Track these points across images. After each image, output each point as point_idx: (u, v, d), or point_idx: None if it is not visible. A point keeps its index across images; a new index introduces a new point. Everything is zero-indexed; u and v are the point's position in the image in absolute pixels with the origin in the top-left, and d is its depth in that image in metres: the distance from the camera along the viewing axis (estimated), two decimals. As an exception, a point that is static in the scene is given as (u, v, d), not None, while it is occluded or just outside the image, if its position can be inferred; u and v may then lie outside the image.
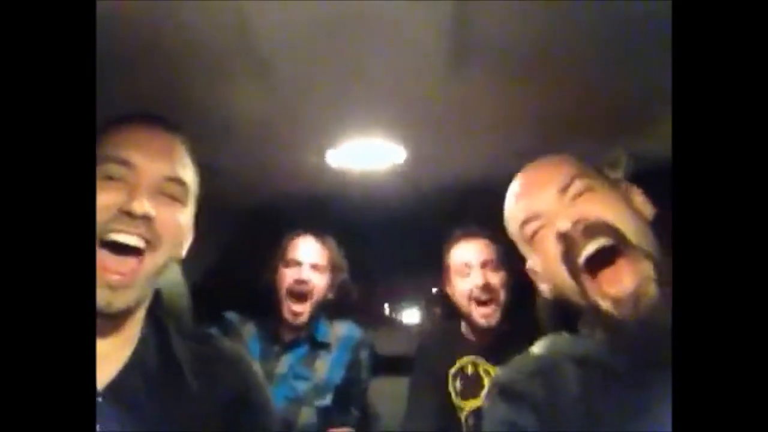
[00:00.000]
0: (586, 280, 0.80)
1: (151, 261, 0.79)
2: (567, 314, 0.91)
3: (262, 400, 0.95)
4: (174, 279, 1.03)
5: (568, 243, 0.81)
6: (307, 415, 1.77)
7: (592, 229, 0.80)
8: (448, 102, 1.18)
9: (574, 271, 0.81)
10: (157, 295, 0.91)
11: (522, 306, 1.49)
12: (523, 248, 0.93)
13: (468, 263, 1.75)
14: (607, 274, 0.79)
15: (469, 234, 1.78)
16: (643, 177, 1.01)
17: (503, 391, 0.88)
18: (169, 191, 0.82)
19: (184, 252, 0.89)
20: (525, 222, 0.88)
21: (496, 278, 1.73)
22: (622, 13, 0.87)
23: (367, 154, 1.47)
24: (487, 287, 1.70)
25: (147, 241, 0.78)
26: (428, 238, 1.81)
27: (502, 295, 1.72)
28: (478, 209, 1.68)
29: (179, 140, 0.87)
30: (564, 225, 0.81)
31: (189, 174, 0.86)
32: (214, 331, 1.19)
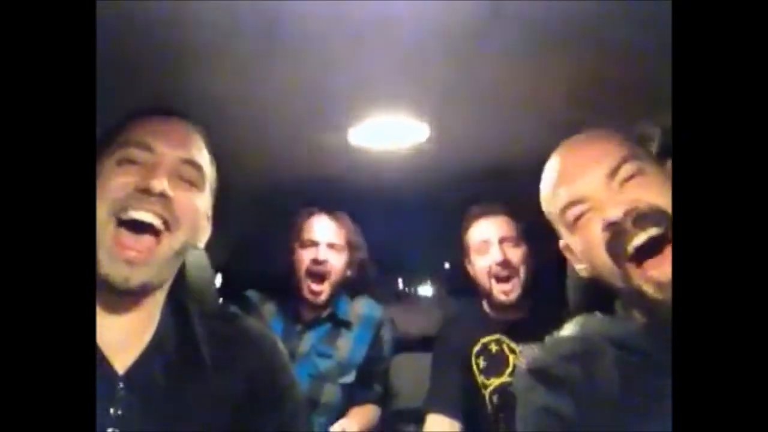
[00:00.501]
0: (630, 267, 0.78)
1: (168, 242, 0.81)
2: (601, 294, 0.89)
3: (288, 380, 0.97)
4: (200, 263, 1.03)
5: (617, 231, 0.78)
6: (330, 393, 1.79)
7: (644, 218, 0.77)
8: (473, 79, 1.16)
9: (618, 257, 0.78)
10: (182, 279, 0.92)
11: (546, 283, 1.49)
12: (561, 229, 0.90)
13: (487, 240, 1.74)
14: (653, 261, 0.77)
15: (487, 211, 1.77)
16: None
17: (540, 376, 0.85)
18: (187, 175, 0.85)
19: (202, 243, 0.91)
20: (568, 205, 0.85)
21: (515, 254, 1.72)
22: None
23: (389, 133, 1.45)
24: (506, 263, 1.70)
25: (164, 221, 0.80)
26: (451, 216, 1.80)
27: (522, 272, 1.71)
28: (503, 188, 1.67)
29: (197, 129, 0.91)
30: (614, 214, 0.78)
31: (205, 161, 0.89)
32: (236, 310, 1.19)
